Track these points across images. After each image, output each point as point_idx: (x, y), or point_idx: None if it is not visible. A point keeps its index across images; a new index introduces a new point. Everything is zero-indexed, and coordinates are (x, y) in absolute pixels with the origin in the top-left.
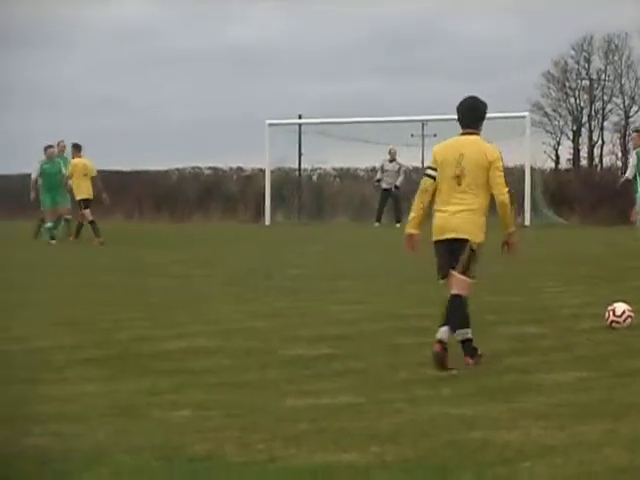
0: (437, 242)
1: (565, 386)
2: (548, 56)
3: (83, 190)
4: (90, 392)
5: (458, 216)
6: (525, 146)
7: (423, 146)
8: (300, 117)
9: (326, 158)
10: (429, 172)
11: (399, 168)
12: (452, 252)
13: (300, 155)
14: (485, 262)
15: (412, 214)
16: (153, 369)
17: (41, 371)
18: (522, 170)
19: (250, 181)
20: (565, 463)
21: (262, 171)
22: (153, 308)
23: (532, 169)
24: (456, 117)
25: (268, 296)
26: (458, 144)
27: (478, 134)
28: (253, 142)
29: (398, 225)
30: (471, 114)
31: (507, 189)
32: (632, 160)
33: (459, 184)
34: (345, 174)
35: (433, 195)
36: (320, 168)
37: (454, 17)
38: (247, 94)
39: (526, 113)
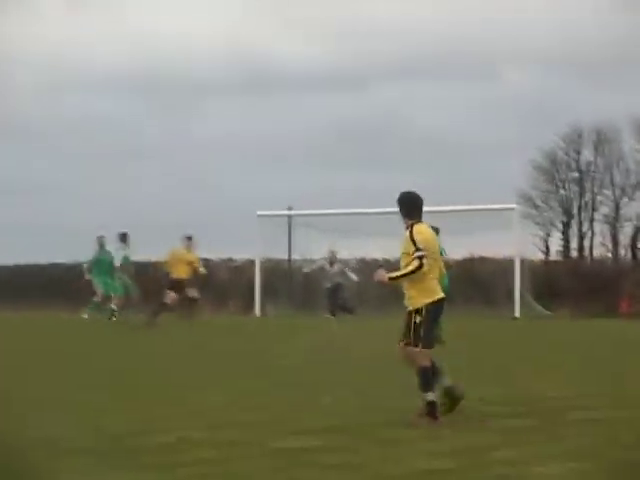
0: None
1: (555, 479)
2: (537, 147)
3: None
4: None
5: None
6: (514, 238)
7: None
8: (290, 209)
9: (317, 250)
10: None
11: (342, 269)
12: None
13: (290, 246)
14: (472, 354)
15: None
16: (138, 463)
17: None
18: (511, 262)
19: (240, 272)
20: None
21: (252, 262)
22: (138, 399)
23: (521, 261)
24: (443, 209)
25: (257, 387)
26: None
27: (408, 224)
28: (237, 233)
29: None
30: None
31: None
32: None
33: None
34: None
35: None
36: (311, 259)
37: (433, 107)
38: (227, 186)
39: (514, 205)
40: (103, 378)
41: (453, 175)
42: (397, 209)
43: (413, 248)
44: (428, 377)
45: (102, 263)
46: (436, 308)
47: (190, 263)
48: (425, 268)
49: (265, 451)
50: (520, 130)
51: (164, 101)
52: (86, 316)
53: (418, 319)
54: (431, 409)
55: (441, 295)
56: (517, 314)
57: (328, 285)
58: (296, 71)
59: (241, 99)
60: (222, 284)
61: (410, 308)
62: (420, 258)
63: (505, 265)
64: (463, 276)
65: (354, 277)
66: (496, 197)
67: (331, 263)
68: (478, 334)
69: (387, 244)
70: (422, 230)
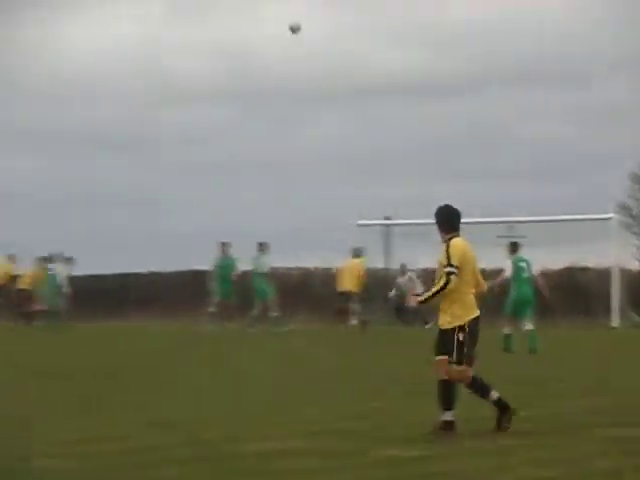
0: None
1: None
2: (634, 157)
3: None
4: None
5: None
6: (612, 248)
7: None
8: (388, 218)
9: (413, 259)
10: None
11: (410, 278)
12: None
13: (389, 255)
14: (573, 364)
15: None
16: (240, 470)
17: (135, 471)
18: (609, 272)
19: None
20: None
21: None
22: (240, 407)
23: (620, 271)
24: (542, 219)
25: (358, 396)
26: None
27: (446, 239)
28: (337, 243)
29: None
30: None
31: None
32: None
33: None
34: (431, 275)
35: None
36: (409, 269)
37: (526, 119)
38: (326, 195)
39: (612, 215)
40: (204, 387)
41: (551, 185)
42: (493, 219)
43: (446, 263)
44: (482, 384)
45: (224, 269)
46: (475, 324)
47: (359, 276)
48: (451, 285)
49: (366, 461)
50: (617, 139)
51: (264, 112)
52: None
53: (462, 336)
54: (504, 404)
55: (478, 312)
56: (615, 324)
57: (393, 293)
58: (397, 79)
59: (340, 108)
60: (319, 293)
61: (453, 325)
62: (448, 274)
63: (603, 274)
64: (561, 286)
65: (419, 285)
66: (594, 207)
67: (402, 273)
68: (578, 344)
69: (484, 253)
70: (459, 245)
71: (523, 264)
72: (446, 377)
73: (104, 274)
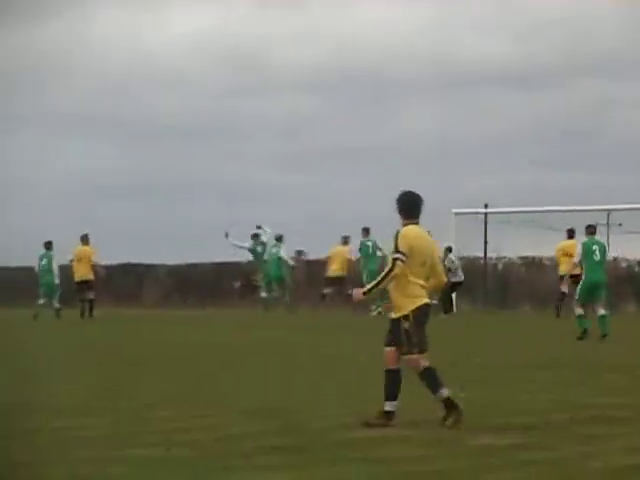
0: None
1: None
2: None
3: None
4: None
5: None
6: None
7: (608, 235)
8: (486, 206)
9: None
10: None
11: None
12: None
13: (485, 243)
14: None
15: None
16: (341, 458)
17: (230, 458)
18: None
19: None
20: None
21: None
22: (343, 395)
23: None
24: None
25: (452, 385)
26: None
27: (403, 224)
28: (433, 231)
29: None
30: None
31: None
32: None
33: None
34: (530, 263)
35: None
36: (505, 257)
37: (615, 109)
38: (422, 184)
39: None
40: (304, 375)
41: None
42: (589, 207)
43: (393, 249)
44: (434, 376)
45: (365, 253)
46: (422, 313)
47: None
48: (396, 271)
49: (466, 449)
50: None
51: (354, 99)
52: None
53: (407, 325)
54: (450, 403)
55: (426, 300)
56: None
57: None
58: (489, 68)
59: (435, 97)
60: None
61: (397, 315)
62: (394, 260)
63: None
64: None
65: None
66: None
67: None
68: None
69: (580, 240)
70: (409, 234)
71: (595, 247)
72: (390, 367)
73: (201, 262)
